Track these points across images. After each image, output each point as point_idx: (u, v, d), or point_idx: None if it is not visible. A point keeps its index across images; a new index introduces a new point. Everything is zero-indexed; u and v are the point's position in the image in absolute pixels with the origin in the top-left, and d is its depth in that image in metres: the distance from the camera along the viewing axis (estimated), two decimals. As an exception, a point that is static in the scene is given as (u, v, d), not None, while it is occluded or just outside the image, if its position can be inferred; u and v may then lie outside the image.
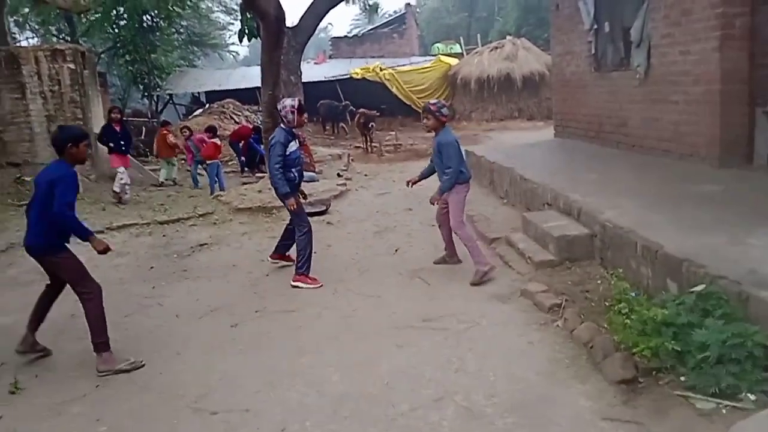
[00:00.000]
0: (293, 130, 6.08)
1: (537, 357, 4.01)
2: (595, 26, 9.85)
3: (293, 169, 6.04)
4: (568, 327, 4.26)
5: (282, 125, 6.09)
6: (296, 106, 5.99)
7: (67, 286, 4.59)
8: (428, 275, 5.96)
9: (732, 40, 6.78)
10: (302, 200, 6.68)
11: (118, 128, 11.08)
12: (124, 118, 21.21)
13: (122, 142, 11.06)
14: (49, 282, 4.74)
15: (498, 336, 4.41)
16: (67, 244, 4.52)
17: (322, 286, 5.91)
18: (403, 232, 7.80)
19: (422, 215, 8.55)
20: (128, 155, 11.27)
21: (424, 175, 6.25)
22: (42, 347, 4.71)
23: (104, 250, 4.52)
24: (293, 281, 5.98)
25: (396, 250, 7.00)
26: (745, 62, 6.82)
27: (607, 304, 4.45)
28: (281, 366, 4.23)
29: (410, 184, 6.37)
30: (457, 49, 27.93)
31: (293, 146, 6.04)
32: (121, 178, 10.82)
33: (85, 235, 4.43)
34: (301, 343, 4.60)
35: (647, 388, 3.38)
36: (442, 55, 26.07)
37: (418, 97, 23.08)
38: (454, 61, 24.06)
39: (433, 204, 6.01)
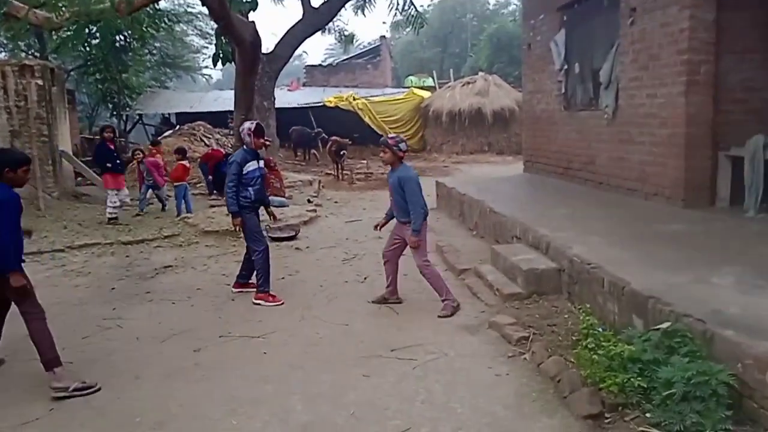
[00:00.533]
0: (254, 151, 6.26)
1: (504, 390, 3.99)
2: (566, 67, 10.13)
3: (249, 188, 6.18)
4: (536, 360, 4.26)
5: (243, 147, 6.30)
6: (253, 129, 6.22)
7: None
8: (395, 304, 5.92)
9: (697, 85, 7.03)
10: (272, 222, 7.08)
11: (112, 146, 10.86)
12: (92, 137, 20.97)
13: (117, 162, 10.83)
14: None
15: (465, 368, 4.38)
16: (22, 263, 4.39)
17: (283, 303, 6.05)
18: (373, 260, 7.74)
19: (392, 244, 8.54)
20: (121, 175, 10.96)
21: (390, 216, 6.03)
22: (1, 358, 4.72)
23: (20, 289, 4.24)
24: (254, 299, 6.12)
25: (365, 278, 6.96)
26: (710, 107, 7.08)
27: (574, 338, 4.48)
28: (244, 393, 4.12)
29: (378, 228, 6.25)
30: (429, 82, 28.38)
31: (251, 166, 6.19)
32: (115, 202, 10.54)
33: (8, 267, 4.20)
34: (266, 371, 4.50)
35: (613, 423, 3.38)
36: (415, 87, 26.46)
37: (390, 128, 23.26)
38: (426, 94, 24.42)
39: (415, 248, 5.65)
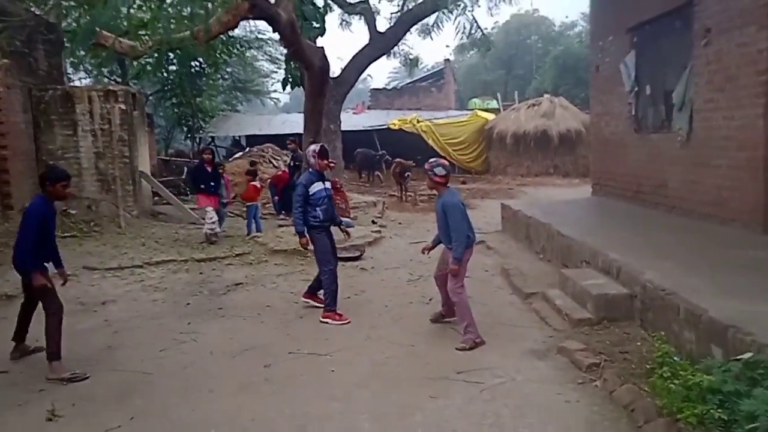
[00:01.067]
0: (319, 173, 6.50)
1: (574, 417, 3.92)
2: (636, 88, 9.93)
3: (317, 209, 6.40)
4: (608, 388, 4.16)
5: (309, 169, 6.55)
6: (317, 151, 6.48)
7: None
8: (460, 327, 5.89)
9: (776, 107, 6.76)
10: (345, 238, 7.28)
11: (209, 169, 11.02)
12: (168, 158, 21.93)
13: (212, 183, 10.94)
14: (24, 300, 5.36)
15: (534, 393, 4.33)
16: (46, 264, 5.15)
17: (349, 322, 6.18)
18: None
19: (456, 266, 8.53)
20: (216, 196, 11.07)
21: (437, 241, 6.00)
22: (33, 347, 5.31)
23: (40, 288, 4.94)
24: (321, 317, 6.28)
25: (430, 300, 6.96)
26: (790, 129, 6.78)
27: (648, 366, 4.35)
28: (313, 410, 4.21)
29: (425, 252, 6.27)
30: (494, 104, 28.30)
31: (316, 187, 6.42)
32: (211, 218, 10.74)
33: (30, 270, 4.97)
34: (333, 388, 4.58)
35: (691, 456, 3.27)
36: (478, 109, 26.43)
37: (453, 150, 23.33)
38: (490, 116, 24.35)
39: (455, 276, 5.51)
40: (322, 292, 6.53)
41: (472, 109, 27.39)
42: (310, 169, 6.54)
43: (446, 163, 5.87)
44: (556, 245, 7.91)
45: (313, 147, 6.62)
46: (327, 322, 6.20)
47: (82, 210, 12.17)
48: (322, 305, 6.45)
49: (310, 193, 6.37)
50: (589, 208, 10.58)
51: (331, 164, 7.10)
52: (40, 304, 5.21)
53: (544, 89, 28.80)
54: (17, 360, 5.25)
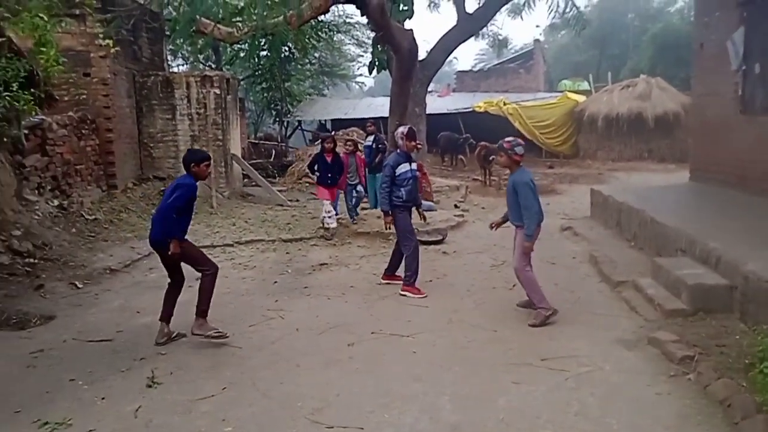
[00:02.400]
0: (407, 154, 6.67)
1: (665, 410, 3.77)
2: (744, 67, 9.26)
3: (402, 189, 6.59)
4: (702, 382, 3.97)
5: (397, 150, 6.76)
6: (405, 133, 6.69)
7: (186, 282, 5.65)
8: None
9: None
10: (423, 222, 7.41)
11: (329, 158, 10.05)
12: (257, 142, 22.63)
13: (329, 174, 10.02)
14: (170, 281, 5.63)
15: (622, 383, 4.20)
16: (186, 237, 5.42)
17: (426, 296, 6.47)
18: (522, 267, 7.63)
19: (542, 252, 8.30)
20: (335, 188, 10.14)
21: (506, 218, 6.07)
22: (177, 333, 5.48)
23: (173, 254, 5.27)
24: (401, 290, 6.57)
25: (513, 286, 6.84)
26: None
27: (747, 361, 4.11)
28: (396, 389, 4.27)
29: (494, 227, 6.28)
30: (585, 86, 27.26)
31: (403, 168, 6.60)
32: (329, 212, 9.94)
33: (170, 235, 5.23)
34: (416, 369, 4.62)
35: (795, 457, 3.07)
36: (569, 91, 25.55)
37: (541, 133, 22.71)
38: (581, 98, 23.48)
39: (525, 254, 5.61)
40: (400, 271, 6.78)
41: (561, 91, 26.51)
42: (398, 150, 6.76)
43: (523, 142, 5.86)
44: (649, 232, 7.57)
45: (401, 129, 6.81)
46: (405, 295, 6.50)
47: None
48: (401, 283, 6.74)
49: (397, 174, 6.59)
50: (687, 195, 10.02)
51: (419, 146, 7.17)
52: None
53: (640, 70, 27.37)
54: (162, 344, 5.31)
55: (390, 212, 6.62)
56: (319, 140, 21.89)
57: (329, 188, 9.97)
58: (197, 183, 5.39)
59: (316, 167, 10.17)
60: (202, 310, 5.36)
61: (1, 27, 6.98)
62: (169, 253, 5.23)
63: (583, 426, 3.63)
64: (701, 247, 5.96)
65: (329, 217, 9.91)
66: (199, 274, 5.52)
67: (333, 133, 22.53)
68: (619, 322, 5.43)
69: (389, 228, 6.83)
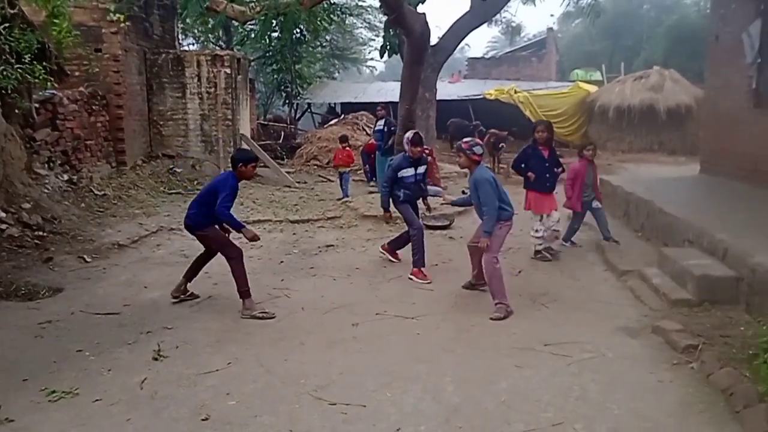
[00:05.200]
0: (411, 158, 6.83)
1: (667, 397, 3.78)
2: (759, 60, 9.16)
3: (402, 190, 6.83)
4: (705, 370, 3.98)
5: (404, 153, 6.96)
6: (410, 138, 6.83)
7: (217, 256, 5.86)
8: (549, 301, 5.81)
9: None
10: (427, 212, 7.57)
11: (545, 153, 7.24)
12: (267, 123, 22.56)
13: (546, 174, 7.16)
14: (203, 250, 5.95)
15: (625, 370, 4.21)
16: (215, 225, 5.70)
17: (430, 282, 6.49)
18: (527, 254, 7.64)
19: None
20: (554, 195, 7.34)
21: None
22: (191, 293, 5.85)
23: (253, 238, 5.64)
24: (410, 274, 6.68)
25: (519, 272, 6.89)
26: None
27: (751, 352, 4.11)
28: (399, 369, 4.30)
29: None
30: (597, 76, 27.04)
31: (406, 172, 6.84)
32: (537, 231, 7.25)
33: (238, 227, 5.60)
34: (419, 350, 4.65)
35: (795, 446, 3.08)
36: (581, 81, 25.35)
37: (551, 122, 22.57)
38: (593, 89, 23.28)
39: (484, 249, 5.51)
40: (402, 254, 7.08)
41: (573, 81, 26.31)
42: (404, 153, 6.92)
43: (481, 142, 5.98)
44: (657, 223, 7.54)
45: (408, 134, 7.00)
46: (412, 279, 6.57)
47: (187, 169, 12.83)
48: (396, 262, 7.15)
49: (400, 176, 6.82)
50: (697, 187, 9.97)
51: (425, 152, 7.18)
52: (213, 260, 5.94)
53: (654, 61, 27.09)
54: (177, 299, 5.78)
55: (388, 209, 6.91)
56: (326, 122, 21.65)
57: (547, 195, 7.28)
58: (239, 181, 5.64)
59: (524, 165, 7.29)
60: (243, 292, 5.53)
61: (13, -1, 7.00)
62: (251, 240, 5.69)
63: (583, 410, 3.65)
64: (709, 239, 5.94)
65: (537, 236, 7.26)
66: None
67: (343, 116, 22.60)
68: (623, 310, 5.44)
69: (388, 223, 7.36)
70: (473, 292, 6.11)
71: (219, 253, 5.77)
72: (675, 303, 5.30)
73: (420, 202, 7.15)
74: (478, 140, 5.94)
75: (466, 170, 16.14)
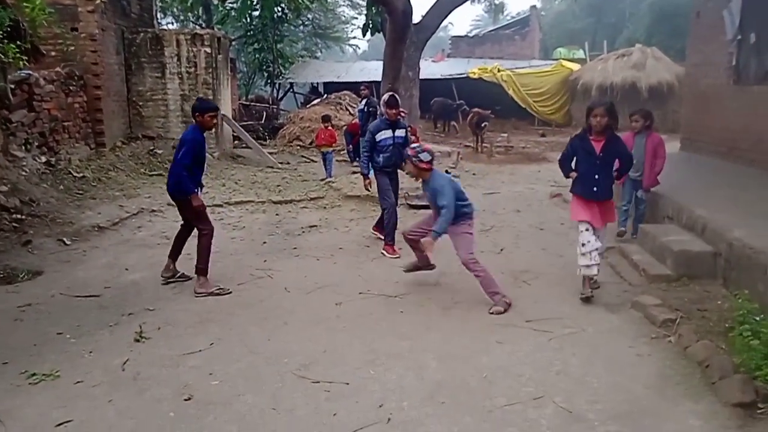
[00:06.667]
0: (390, 121, 6.80)
1: (645, 370, 3.84)
2: (739, 37, 9.20)
3: (381, 155, 6.79)
4: (682, 344, 4.04)
5: (383, 116, 6.91)
6: (386, 100, 6.84)
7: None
8: (532, 278, 5.86)
9: None
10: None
11: (597, 146, 5.14)
12: (249, 103, 22.34)
13: (596, 176, 5.17)
14: (182, 223, 5.93)
15: (604, 344, 4.26)
16: (196, 191, 5.57)
17: (399, 257, 6.54)
18: (510, 232, 7.70)
19: (531, 218, 8.42)
20: (605, 202, 5.31)
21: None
22: (182, 273, 5.82)
23: (197, 207, 5.52)
24: (382, 249, 6.82)
25: (501, 250, 6.93)
26: None
27: (727, 325, 4.19)
28: (382, 347, 4.32)
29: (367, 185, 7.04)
30: (580, 54, 27.07)
31: (383, 135, 6.80)
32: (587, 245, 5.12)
33: (188, 191, 5.47)
34: (402, 328, 4.67)
35: (767, 414, 3.15)
36: (564, 59, 25.36)
37: (534, 101, 22.62)
38: (575, 67, 23.32)
39: (428, 249, 5.22)
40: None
41: (556, 59, 26.31)
42: (383, 117, 6.90)
43: (430, 148, 5.51)
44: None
45: (385, 96, 7.05)
46: (383, 254, 6.70)
47: (168, 150, 12.66)
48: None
49: (377, 140, 6.79)
50: (677, 164, 10.01)
51: (402, 113, 7.16)
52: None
53: (636, 39, 27.16)
54: (166, 280, 5.77)
55: (368, 175, 6.98)
56: (309, 102, 21.41)
57: (592, 203, 5.23)
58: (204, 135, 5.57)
59: (573, 162, 5.39)
60: (201, 269, 5.52)
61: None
62: (194, 206, 5.50)
63: (564, 384, 3.70)
64: (688, 215, 6.01)
65: (585, 253, 5.12)
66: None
67: (326, 96, 22.42)
68: (604, 287, 5.48)
69: (368, 189, 7.25)
70: (459, 270, 6.14)
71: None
72: (654, 278, 5.37)
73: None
74: (425, 146, 5.44)
75: (448, 150, 16.08)
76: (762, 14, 8.70)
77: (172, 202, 5.98)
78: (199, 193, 5.62)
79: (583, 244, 5.12)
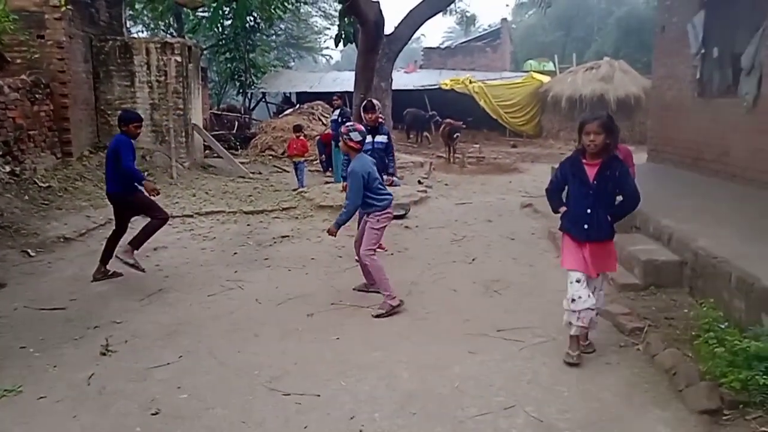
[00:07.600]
0: (369, 127, 6.86)
1: (614, 378, 3.88)
2: (703, 50, 9.46)
3: None
4: (650, 352, 4.10)
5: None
6: (362, 105, 7.17)
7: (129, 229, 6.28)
8: (503, 288, 5.89)
9: None
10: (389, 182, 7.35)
11: (591, 173, 4.10)
12: (220, 113, 22.18)
13: (588, 210, 4.14)
14: (115, 228, 6.27)
15: (574, 353, 4.30)
16: (138, 186, 6.01)
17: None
18: (482, 242, 7.74)
19: (502, 228, 8.49)
20: (600, 243, 4.23)
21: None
22: (113, 271, 6.15)
23: (153, 190, 5.86)
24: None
25: (473, 260, 6.96)
26: None
27: (693, 333, 4.26)
28: (354, 358, 4.29)
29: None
30: (550, 66, 27.51)
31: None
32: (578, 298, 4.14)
33: (140, 179, 5.94)
34: (374, 339, 4.65)
35: (732, 421, 3.20)
36: (534, 71, 25.75)
37: (505, 112, 22.90)
38: (546, 79, 23.71)
39: (331, 235, 5.50)
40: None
41: (527, 71, 26.70)
42: (363, 122, 6.93)
43: (362, 128, 5.51)
44: (606, 210, 7.71)
45: (363, 103, 7.22)
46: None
47: (137, 160, 12.50)
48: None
49: None
50: (644, 175, 10.17)
51: (381, 118, 7.20)
52: (124, 236, 6.26)
53: (605, 52, 27.72)
54: (99, 281, 6.05)
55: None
56: (282, 111, 21.37)
57: (585, 247, 4.18)
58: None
59: (564, 191, 4.40)
60: (136, 241, 5.96)
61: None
62: (149, 190, 5.83)
63: (535, 393, 3.72)
64: (655, 225, 6.12)
65: (576, 310, 4.07)
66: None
67: (298, 106, 22.35)
68: (573, 295, 5.53)
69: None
70: (431, 280, 6.16)
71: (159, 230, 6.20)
72: (622, 287, 5.45)
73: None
74: (359, 126, 5.50)
75: (422, 161, 16.19)
76: (724, 29, 8.97)
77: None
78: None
79: (573, 300, 4.06)
